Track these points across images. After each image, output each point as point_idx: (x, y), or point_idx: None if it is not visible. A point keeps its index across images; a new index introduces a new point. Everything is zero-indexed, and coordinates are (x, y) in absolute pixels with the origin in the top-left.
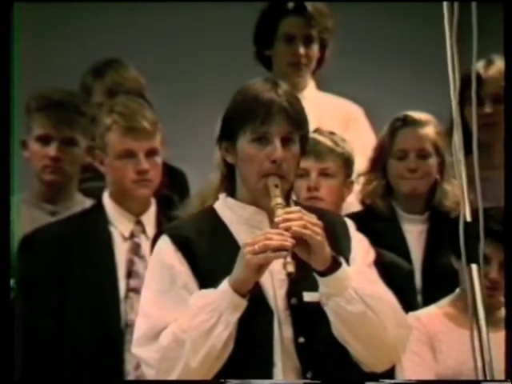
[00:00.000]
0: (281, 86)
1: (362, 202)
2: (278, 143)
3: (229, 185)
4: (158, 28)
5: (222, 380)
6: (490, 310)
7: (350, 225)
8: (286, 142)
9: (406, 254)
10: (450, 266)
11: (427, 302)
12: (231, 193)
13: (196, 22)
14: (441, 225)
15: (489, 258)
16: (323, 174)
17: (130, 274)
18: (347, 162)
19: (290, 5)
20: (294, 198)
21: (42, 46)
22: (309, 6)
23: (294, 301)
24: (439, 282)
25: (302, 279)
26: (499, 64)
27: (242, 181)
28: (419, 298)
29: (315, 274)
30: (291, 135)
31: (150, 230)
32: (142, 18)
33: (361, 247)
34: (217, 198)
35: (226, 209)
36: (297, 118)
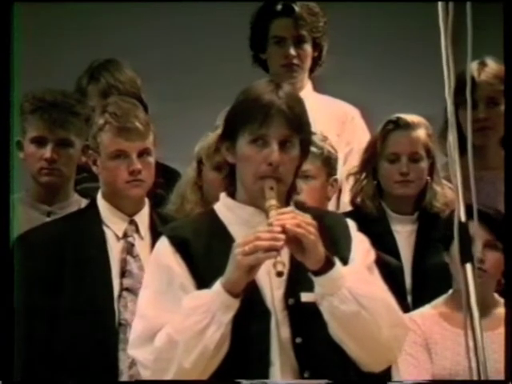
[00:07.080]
0: (283, 88)
1: (352, 202)
2: (275, 146)
3: (230, 185)
4: (155, 28)
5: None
6: (485, 308)
7: (352, 225)
8: (284, 145)
9: (395, 254)
10: (440, 266)
11: (417, 301)
12: (232, 193)
13: (194, 22)
14: (430, 225)
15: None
16: (303, 176)
17: (123, 273)
18: (327, 161)
19: (278, 7)
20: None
21: (43, 47)
22: (297, 6)
23: (291, 301)
24: (429, 281)
25: (299, 280)
26: (493, 67)
27: (241, 181)
28: (409, 298)
29: (310, 274)
30: (290, 138)
31: (144, 229)
32: (141, 19)
33: (361, 248)
34: (194, 191)
35: (226, 209)
36: (296, 122)
